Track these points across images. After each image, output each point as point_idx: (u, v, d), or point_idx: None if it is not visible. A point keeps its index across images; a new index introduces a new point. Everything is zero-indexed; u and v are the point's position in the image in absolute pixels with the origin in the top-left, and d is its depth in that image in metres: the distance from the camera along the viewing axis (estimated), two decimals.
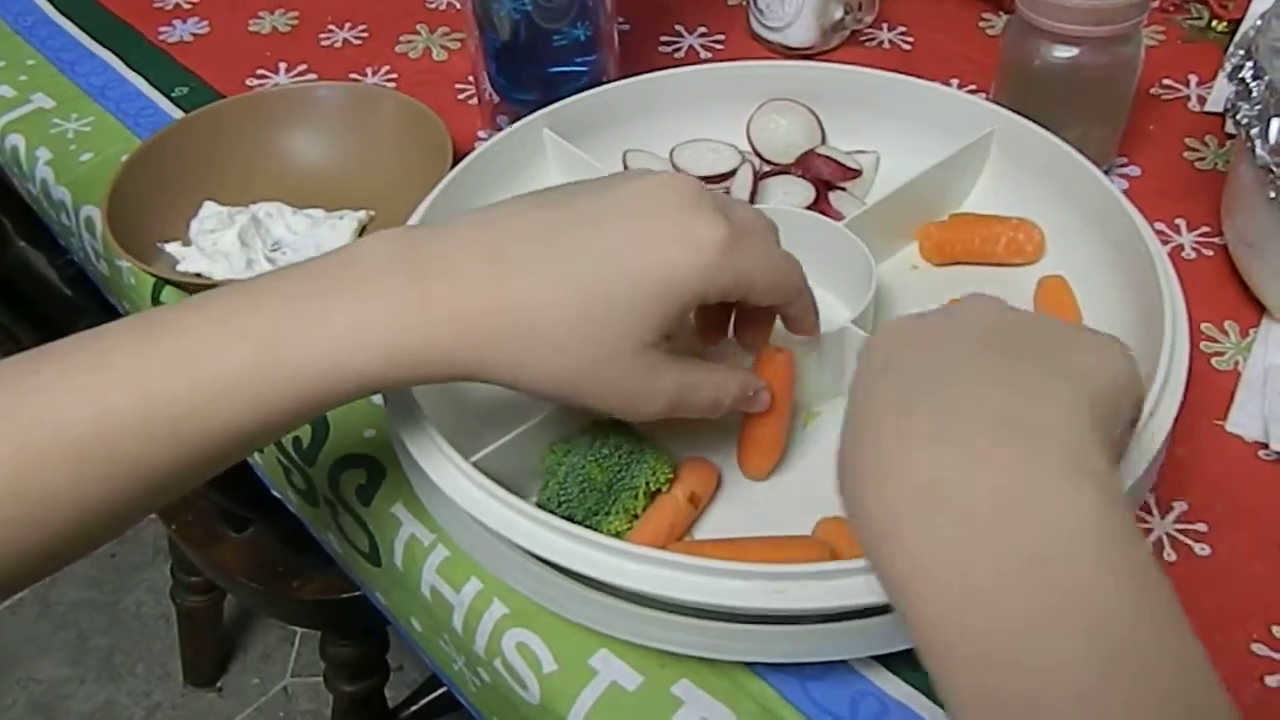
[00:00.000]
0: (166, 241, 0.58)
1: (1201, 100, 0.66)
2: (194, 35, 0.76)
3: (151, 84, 0.72)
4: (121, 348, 0.34)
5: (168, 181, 0.59)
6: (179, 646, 1.27)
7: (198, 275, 0.56)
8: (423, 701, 1.05)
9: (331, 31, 0.76)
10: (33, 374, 0.34)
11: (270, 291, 0.36)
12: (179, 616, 1.24)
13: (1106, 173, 0.60)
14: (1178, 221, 0.58)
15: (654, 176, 0.38)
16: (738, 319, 0.45)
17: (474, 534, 0.42)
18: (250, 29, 0.77)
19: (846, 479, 0.32)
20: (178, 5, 0.79)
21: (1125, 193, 0.51)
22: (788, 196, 0.56)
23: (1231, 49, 0.51)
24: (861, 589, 0.36)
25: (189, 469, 0.35)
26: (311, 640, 1.30)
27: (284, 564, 0.87)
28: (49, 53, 0.75)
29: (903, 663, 0.40)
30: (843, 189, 0.57)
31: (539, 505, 0.41)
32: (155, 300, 0.58)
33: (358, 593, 0.84)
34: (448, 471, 0.41)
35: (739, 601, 0.36)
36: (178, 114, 0.69)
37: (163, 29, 0.77)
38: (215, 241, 0.57)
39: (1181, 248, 0.57)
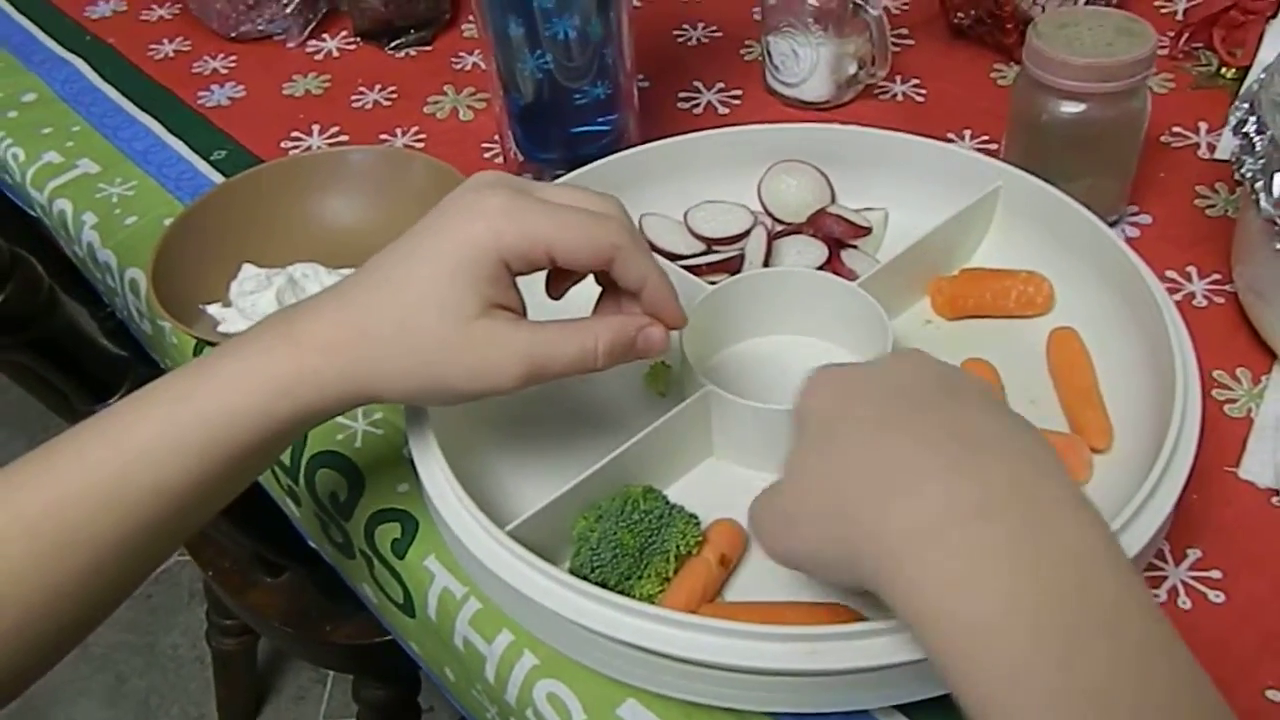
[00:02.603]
0: (208, 303, 0.60)
1: (1211, 147, 0.67)
2: (230, 99, 0.79)
3: (191, 148, 0.75)
4: (73, 435, 0.39)
5: (209, 245, 0.62)
6: (214, 688, 1.29)
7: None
8: None
9: (362, 94, 0.79)
10: (8, 474, 0.38)
11: (189, 364, 0.41)
12: (214, 659, 1.26)
13: (1117, 222, 0.61)
14: (1189, 269, 0.59)
15: (462, 184, 0.42)
16: (601, 298, 0.45)
17: (507, 594, 0.43)
18: (284, 92, 0.80)
19: (843, 512, 0.35)
20: (215, 71, 0.82)
21: (1136, 241, 0.53)
22: (801, 256, 0.58)
23: (1236, 103, 0.52)
24: (891, 649, 0.37)
25: (133, 536, 0.38)
26: (343, 682, 1.31)
27: (317, 609, 0.88)
28: (94, 119, 0.78)
29: (924, 712, 0.41)
30: (854, 246, 0.59)
31: (572, 572, 0.42)
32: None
33: (389, 637, 0.85)
34: (485, 542, 0.42)
35: (775, 664, 0.38)
36: (217, 177, 0.72)
37: (201, 94, 0.80)
38: (254, 303, 0.59)
39: (1193, 295, 0.58)
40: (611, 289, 0.45)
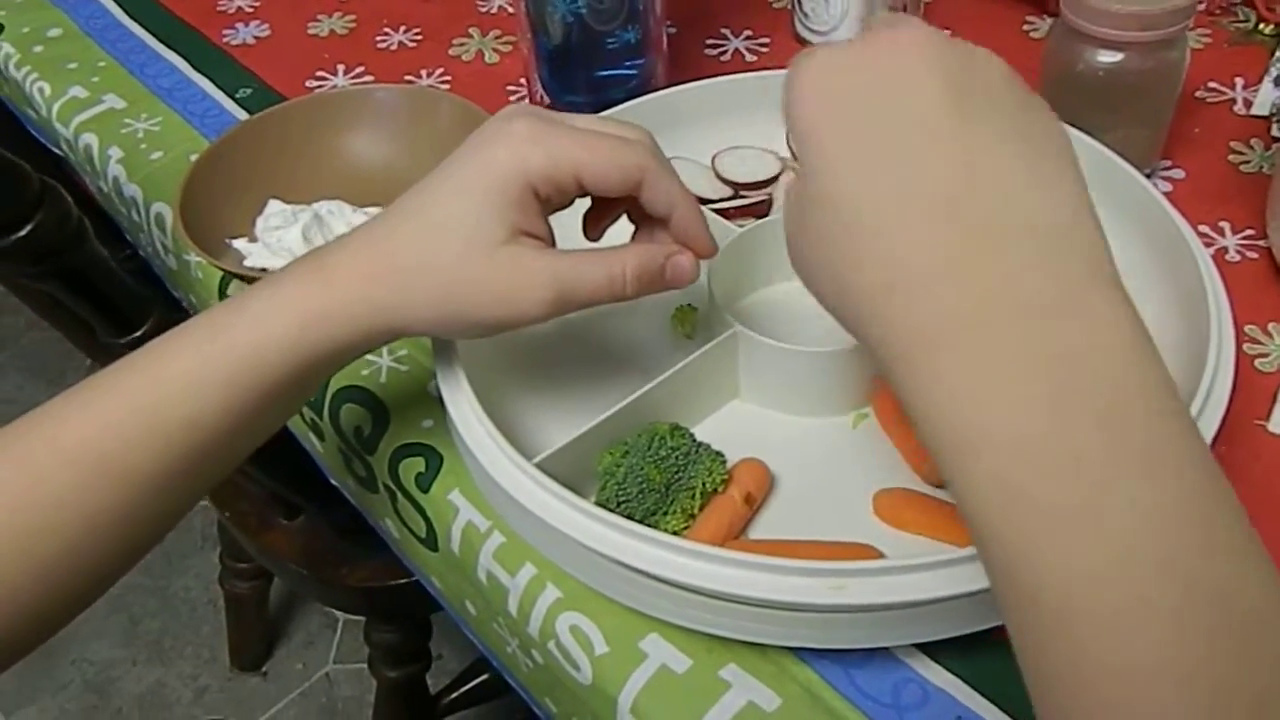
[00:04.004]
0: (234, 238, 0.60)
1: (1247, 103, 0.66)
2: (256, 38, 0.79)
3: (216, 85, 0.74)
4: (113, 370, 0.39)
5: (235, 180, 0.61)
6: (226, 631, 1.31)
7: (263, 270, 0.58)
8: (462, 689, 1.08)
9: (387, 34, 0.78)
10: (40, 409, 0.38)
11: (224, 302, 0.41)
12: (226, 602, 1.28)
13: (1150, 175, 0.61)
14: (1222, 224, 0.58)
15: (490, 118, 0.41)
16: (636, 226, 0.45)
17: (533, 526, 0.44)
18: (309, 32, 0.79)
19: (840, 286, 0.31)
20: (240, 9, 0.82)
21: (1169, 195, 0.52)
22: None
23: (1276, 57, 0.52)
24: (917, 586, 0.38)
25: (169, 469, 0.38)
26: (353, 628, 1.33)
27: (333, 552, 0.89)
28: (119, 55, 0.78)
29: (945, 651, 0.41)
30: None
31: (597, 505, 0.43)
32: (222, 293, 0.61)
33: (403, 580, 0.86)
34: (512, 474, 0.43)
35: (801, 598, 0.38)
36: (241, 114, 0.72)
37: (226, 32, 0.79)
38: (280, 238, 0.59)
39: (1225, 250, 0.57)
40: (644, 225, 0.45)
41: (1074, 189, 0.30)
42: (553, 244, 0.42)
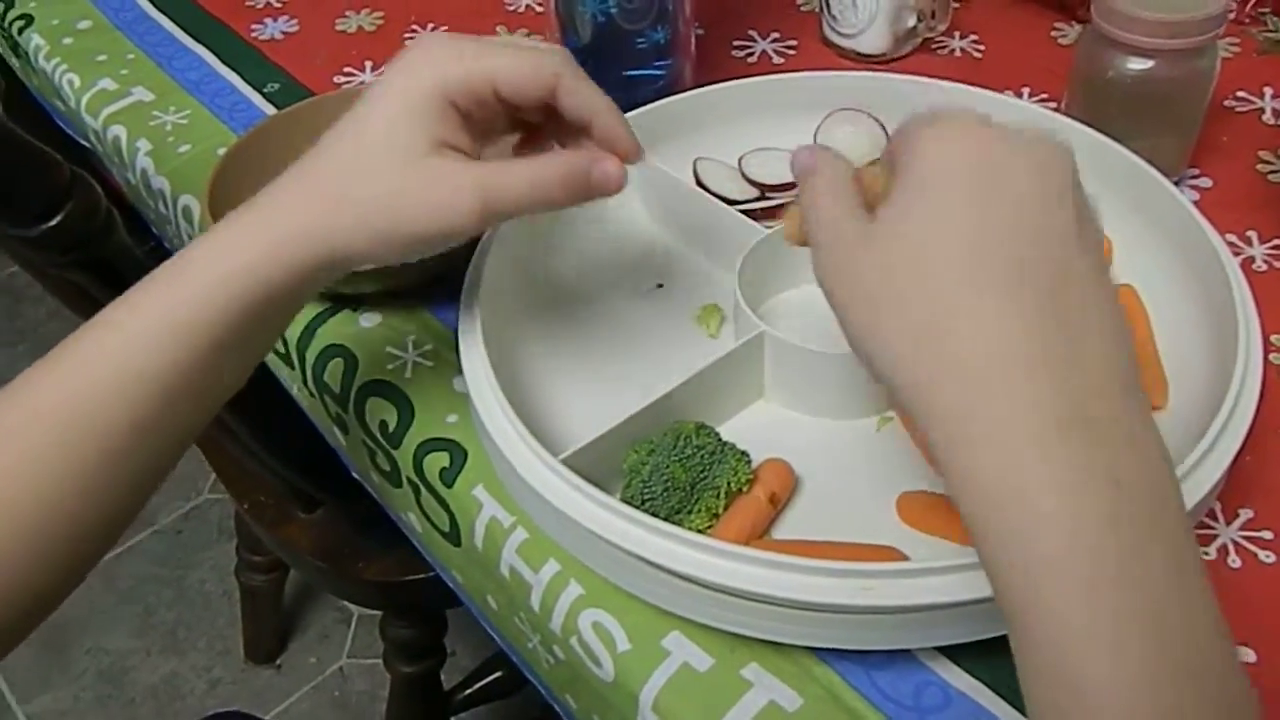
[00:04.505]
0: None
1: (1276, 113, 0.66)
2: (284, 34, 0.79)
3: (244, 80, 0.75)
4: (83, 330, 0.40)
5: (263, 174, 0.60)
6: (240, 624, 1.31)
7: None
8: (476, 686, 1.08)
9: (415, 31, 0.79)
10: (27, 374, 0.39)
11: (177, 254, 0.41)
12: (242, 594, 1.28)
13: (1177, 184, 0.60)
14: (1249, 233, 0.58)
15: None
16: (556, 135, 0.46)
17: (557, 522, 0.44)
18: (337, 28, 0.80)
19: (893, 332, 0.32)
20: (268, 4, 0.82)
21: (1196, 204, 0.52)
22: None
23: None
24: (943, 588, 0.38)
25: (144, 416, 0.39)
26: (367, 623, 1.33)
27: (350, 545, 0.90)
28: (148, 48, 0.78)
29: (967, 655, 0.41)
30: None
31: (623, 503, 0.43)
32: None
33: (419, 575, 0.87)
34: (538, 469, 0.43)
35: (825, 598, 0.38)
36: (269, 109, 0.72)
37: (254, 27, 0.80)
38: None
39: (1253, 260, 0.57)
40: (571, 142, 0.45)
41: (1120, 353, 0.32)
42: (478, 159, 0.43)
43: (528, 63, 0.41)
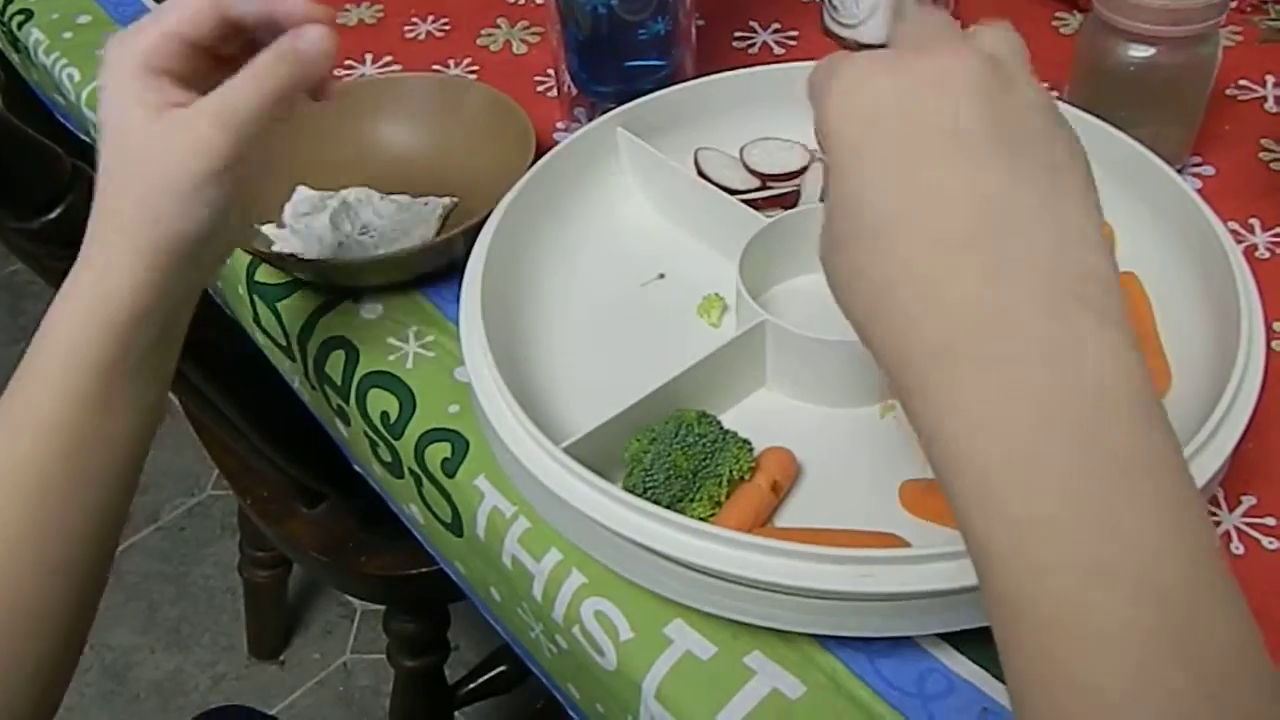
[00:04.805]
0: (262, 224, 0.60)
1: (1278, 101, 0.66)
2: None
3: None
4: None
5: None
6: (244, 620, 1.32)
7: (291, 256, 0.59)
8: (480, 680, 1.08)
9: (415, 24, 0.79)
10: None
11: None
12: (245, 590, 1.29)
13: (1180, 172, 0.60)
14: (1252, 221, 0.58)
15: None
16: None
17: (559, 511, 0.44)
18: (338, 21, 0.78)
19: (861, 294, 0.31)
20: None
21: (1199, 192, 0.52)
22: None
23: None
24: (944, 574, 0.38)
25: (75, 412, 0.41)
26: (371, 618, 1.33)
27: (353, 540, 0.90)
28: None
29: (969, 641, 0.41)
30: None
31: (625, 491, 0.43)
32: (250, 279, 0.61)
33: (423, 569, 0.87)
34: (540, 458, 0.43)
35: (827, 585, 0.38)
36: None
37: None
38: (308, 225, 0.59)
39: (1255, 247, 0.57)
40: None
41: (1086, 227, 0.29)
42: None
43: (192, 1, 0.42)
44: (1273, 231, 0.58)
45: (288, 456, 0.79)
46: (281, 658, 1.32)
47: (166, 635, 1.35)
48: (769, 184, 0.59)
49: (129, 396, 0.43)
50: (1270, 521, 0.45)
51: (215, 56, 0.43)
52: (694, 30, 0.67)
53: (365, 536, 0.89)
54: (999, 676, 0.41)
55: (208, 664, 1.32)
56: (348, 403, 0.55)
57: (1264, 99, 0.66)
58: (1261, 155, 0.62)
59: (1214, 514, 0.46)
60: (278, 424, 0.76)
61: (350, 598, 1.34)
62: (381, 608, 1.03)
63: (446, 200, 0.62)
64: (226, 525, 1.44)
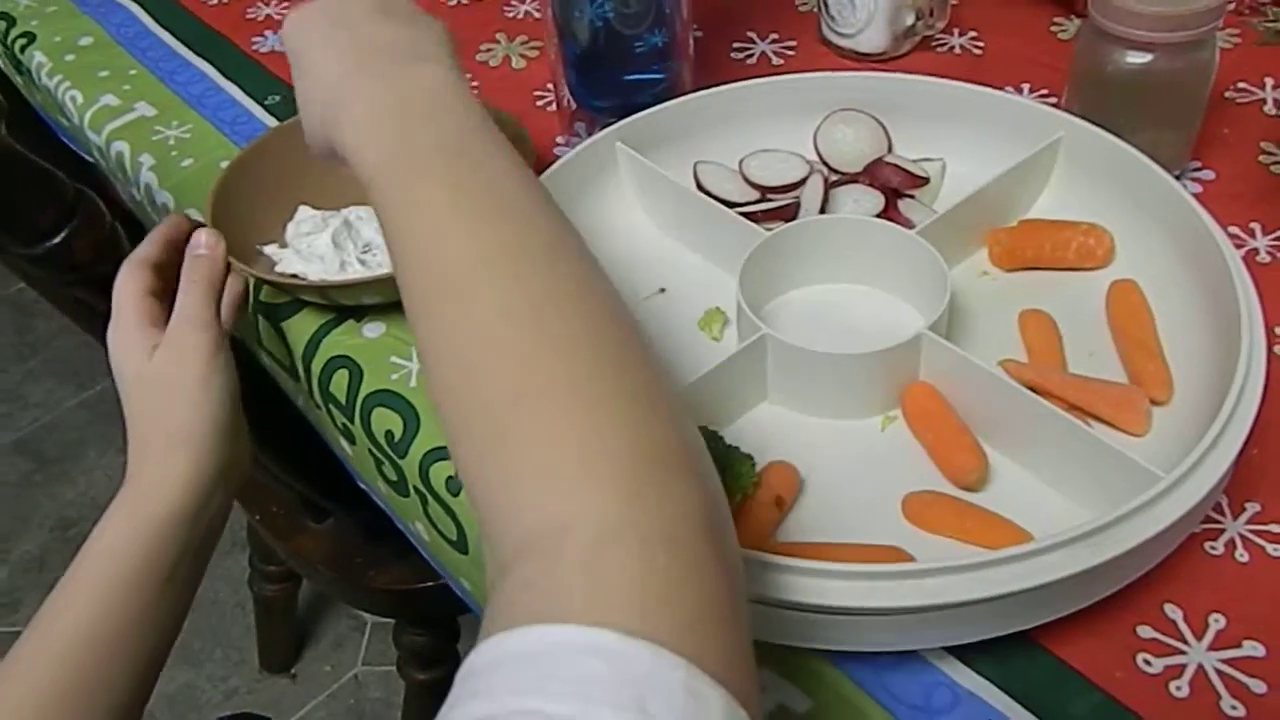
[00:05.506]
0: (265, 244, 0.61)
1: (1277, 104, 0.66)
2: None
3: (246, 92, 0.75)
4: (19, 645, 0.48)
5: (266, 186, 0.62)
6: (255, 634, 1.32)
7: (294, 276, 0.59)
8: None
9: None
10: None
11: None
12: (256, 605, 1.29)
13: (1179, 177, 0.60)
14: (1252, 225, 0.58)
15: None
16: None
17: None
18: None
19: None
20: (269, 17, 0.83)
21: (1199, 196, 0.52)
22: (858, 205, 0.58)
23: None
24: (947, 588, 0.38)
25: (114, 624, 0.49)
26: (381, 630, 1.33)
27: (361, 554, 0.90)
28: (149, 63, 0.79)
29: (976, 654, 0.41)
30: (911, 196, 0.58)
31: None
32: (254, 298, 0.61)
33: (430, 583, 0.87)
34: None
35: (832, 600, 0.38)
36: (271, 121, 0.72)
37: (255, 39, 0.80)
38: (310, 244, 0.60)
39: (1256, 252, 0.57)
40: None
41: (429, 35, 0.43)
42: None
43: (155, 232, 0.55)
44: (1273, 235, 0.57)
45: (294, 473, 0.79)
46: (293, 671, 1.32)
47: (178, 650, 1.32)
48: (768, 196, 0.59)
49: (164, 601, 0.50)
50: (1275, 528, 0.45)
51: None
52: (692, 42, 0.67)
53: (373, 551, 0.89)
54: (1006, 690, 0.41)
55: (220, 678, 1.32)
56: (352, 422, 0.56)
57: (1263, 101, 0.66)
58: (1262, 158, 0.62)
59: (1218, 521, 0.45)
60: (284, 441, 0.76)
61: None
62: (392, 620, 1.03)
63: None
64: (236, 540, 1.44)
